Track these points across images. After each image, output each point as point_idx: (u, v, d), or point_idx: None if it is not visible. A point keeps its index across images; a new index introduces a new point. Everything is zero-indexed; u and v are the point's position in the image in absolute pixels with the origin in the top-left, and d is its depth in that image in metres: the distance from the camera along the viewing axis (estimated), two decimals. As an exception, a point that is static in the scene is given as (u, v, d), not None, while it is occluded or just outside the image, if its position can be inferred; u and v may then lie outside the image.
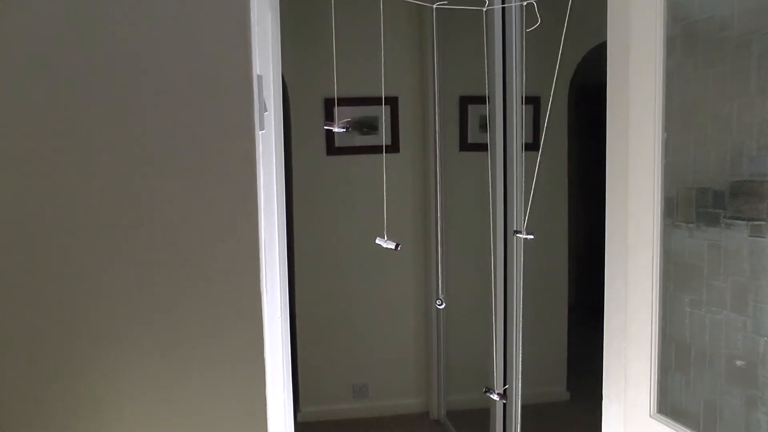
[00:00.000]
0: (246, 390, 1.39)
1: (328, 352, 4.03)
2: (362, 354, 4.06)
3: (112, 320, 1.36)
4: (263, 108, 1.49)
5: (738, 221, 1.40)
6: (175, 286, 1.36)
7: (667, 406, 1.58)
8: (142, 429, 1.38)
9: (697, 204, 1.52)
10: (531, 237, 1.72)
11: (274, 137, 1.70)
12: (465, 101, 3.86)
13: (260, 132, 1.42)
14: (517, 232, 1.75)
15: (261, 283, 1.39)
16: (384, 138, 3.87)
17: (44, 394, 1.36)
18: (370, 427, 3.95)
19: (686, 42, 1.53)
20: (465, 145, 3.89)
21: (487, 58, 2.72)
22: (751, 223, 1.37)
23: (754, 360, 1.36)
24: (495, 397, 1.71)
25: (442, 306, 1.71)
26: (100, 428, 1.37)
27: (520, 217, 2.74)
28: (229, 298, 1.37)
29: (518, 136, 2.69)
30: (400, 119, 3.93)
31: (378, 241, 1.61)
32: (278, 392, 1.67)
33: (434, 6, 1.80)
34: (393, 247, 1.56)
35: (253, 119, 1.35)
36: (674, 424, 1.53)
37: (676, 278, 1.57)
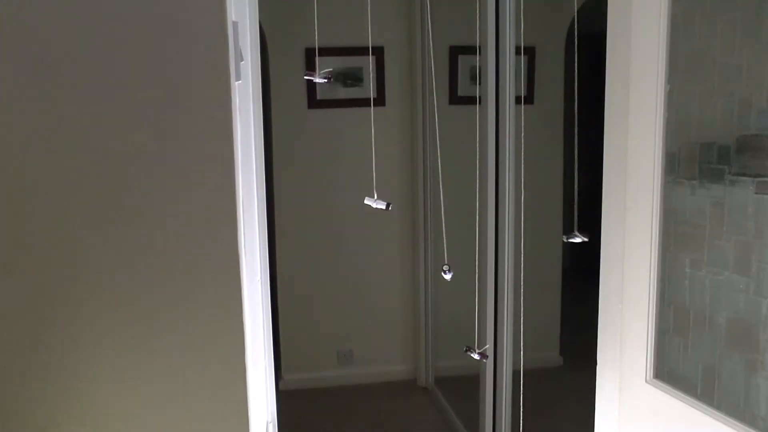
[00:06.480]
0: (224, 357, 1.35)
1: (312, 316, 3.98)
2: (347, 319, 4.02)
3: (83, 286, 1.31)
4: (239, 57, 1.45)
5: (743, 177, 1.38)
6: (147, 244, 1.31)
7: (664, 371, 1.57)
8: (120, 398, 1.35)
9: (701, 159, 1.49)
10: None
11: (251, 88, 1.68)
12: (455, 51, 3.75)
13: (236, 82, 1.38)
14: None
15: (239, 244, 1.35)
16: (371, 90, 3.77)
17: (20, 384, 1.32)
18: (356, 395, 3.93)
19: (694, -15, 1.48)
20: (455, 98, 3.80)
21: (479, 5, 2.63)
22: (757, 179, 1.35)
23: (755, 323, 1.35)
24: (476, 356, 1.66)
25: (450, 275, 1.53)
26: (79, 408, 1.34)
27: (511, 174, 2.68)
28: (205, 259, 1.33)
29: (511, 88, 2.62)
30: (386, 71, 3.83)
31: (367, 201, 1.56)
32: (259, 359, 1.66)
33: (423, -53, 1.70)
34: (384, 207, 1.52)
35: (229, 68, 1.30)
36: (671, 389, 1.53)
37: (677, 238, 1.55)
